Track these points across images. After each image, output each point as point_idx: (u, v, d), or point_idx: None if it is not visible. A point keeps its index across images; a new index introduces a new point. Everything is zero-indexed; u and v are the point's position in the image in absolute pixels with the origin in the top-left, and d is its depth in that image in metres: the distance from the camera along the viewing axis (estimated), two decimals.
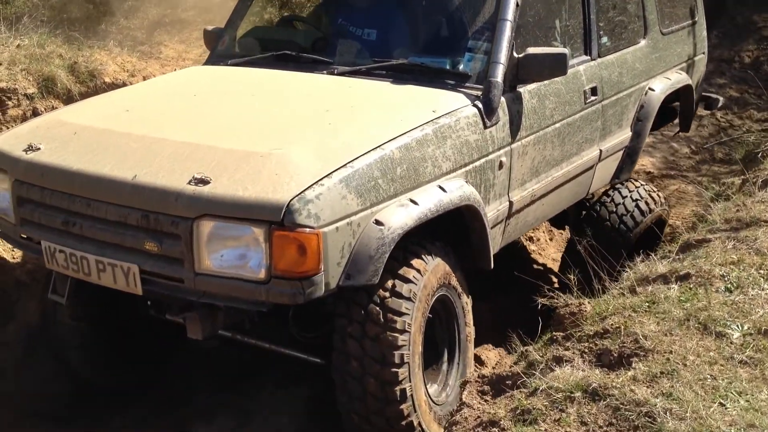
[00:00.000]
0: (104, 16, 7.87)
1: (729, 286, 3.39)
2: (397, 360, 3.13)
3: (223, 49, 4.46)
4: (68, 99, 5.18)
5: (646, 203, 4.87)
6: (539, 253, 5.57)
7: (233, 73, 4.16)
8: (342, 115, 3.46)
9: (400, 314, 3.16)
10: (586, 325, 3.18)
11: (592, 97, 4.41)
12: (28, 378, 3.99)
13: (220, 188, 2.93)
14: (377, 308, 3.15)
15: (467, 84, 3.73)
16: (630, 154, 4.97)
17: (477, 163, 3.59)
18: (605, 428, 2.55)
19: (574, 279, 3.60)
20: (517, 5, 3.81)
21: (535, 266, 5.38)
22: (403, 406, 3.17)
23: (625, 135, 4.88)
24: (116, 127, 3.42)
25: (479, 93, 3.66)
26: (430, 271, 3.32)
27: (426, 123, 3.39)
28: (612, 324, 3.09)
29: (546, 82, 3.98)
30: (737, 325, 3.06)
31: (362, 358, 3.14)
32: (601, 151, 4.63)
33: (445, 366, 3.58)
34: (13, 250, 4.41)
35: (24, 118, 4.92)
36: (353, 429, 3.29)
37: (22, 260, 4.38)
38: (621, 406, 2.59)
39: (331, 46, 4.17)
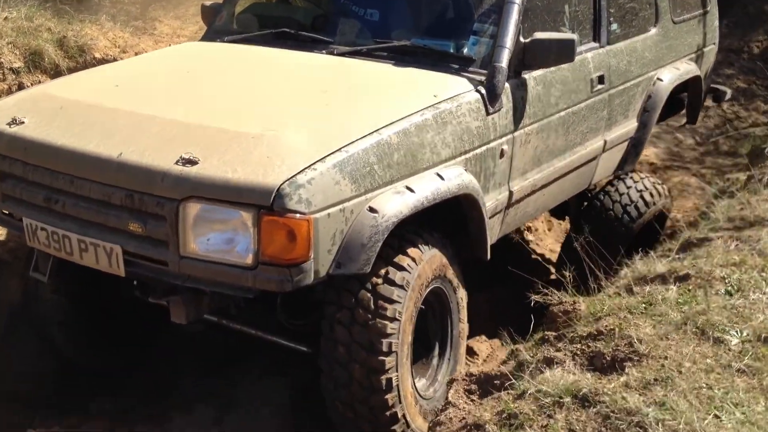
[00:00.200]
0: None
1: (729, 288, 3.31)
2: (384, 348, 3.05)
3: (220, 24, 4.34)
4: (56, 74, 5.08)
5: (651, 194, 4.81)
6: (537, 243, 5.49)
7: (229, 50, 4.04)
8: (339, 97, 3.36)
9: (392, 302, 3.08)
10: (580, 326, 3.11)
11: (599, 86, 4.29)
12: (8, 358, 3.90)
13: (208, 169, 2.83)
14: (368, 294, 3.07)
15: (471, 68, 3.62)
16: (635, 145, 4.87)
17: (477, 151, 3.50)
18: None
19: (569, 276, 3.51)
20: None
21: (533, 256, 5.30)
22: (387, 396, 3.10)
23: (630, 125, 4.77)
24: (104, 103, 3.32)
25: (483, 78, 3.56)
26: (426, 261, 3.24)
27: (426, 108, 3.29)
28: (606, 325, 3.02)
29: (552, 68, 3.87)
30: (736, 331, 2.98)
31: (350, 345, 3.07)
32: (605, 141, 4.53)
33: (435, 361, 3.51)
34: None
35: (9, 93, 4.81)
36: (338, 417, 3.22)
37: (2, 239, 4.28)
38: (611, 414, 2.51)
39: (331, 25, 4.04)
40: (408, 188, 3.10)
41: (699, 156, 7.08)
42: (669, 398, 2.55)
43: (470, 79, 3.55)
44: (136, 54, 5.49)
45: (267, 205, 2.73)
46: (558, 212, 5.31)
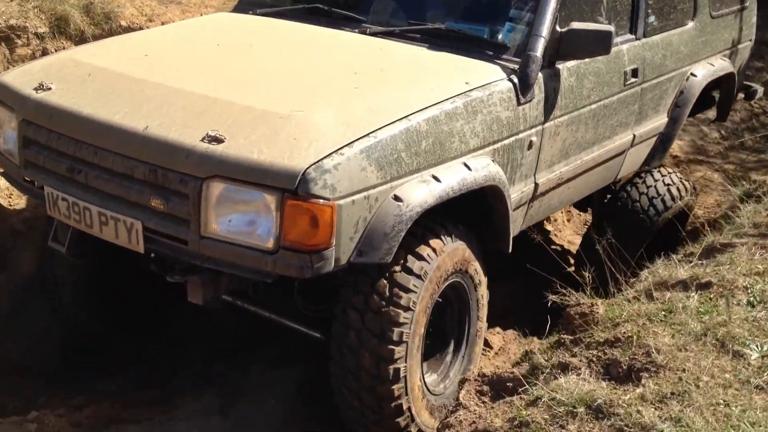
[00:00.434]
0: None
1: (752, 299, 3.25)
2: (395, 337, 3.02)
3: None
4: (80, 41, 4.96)
5: (678, 189, 4.77)
6: (555, 234, 5.43)
7: (260, 24, 3.96)
8: (370, 79, 3.28)
9: (407, 290, 3.05)
10: (597, 331, 3.05)
11: (632, 79, 4.21)
12: (20, 331, 3.90)
13: (234, 148, 2.78)
14: (385, 281, 3.03)
15: (504, 56, 3.55)
16: (663, 140, 4.79)
17: (506, 142, 3.43)
18: None
19: (588, 277, 3.45)
20: None
21: (552, 247, 5.24)
22: (394, 387, 3.08)
23: (660, 120, 4.69)
24: (133, 72, 3.26)
25: (516, 67, 3.49)
26: (447, 253, 3.19)
27: (457, 95, 3.23)
28: (624, 332, 2.97)
29: (586, 60, 3.79)
30: (756, 345, 2.93)
31: (361, 331, 3.04)
32: (634, 135, 4.45)
33: (449, 357, 3.48)
34: (10, 196, 4.26)
35: (32, 58, 4.71)
36: (344, 405, 3.20)
37: (18, 208, 4.25)
38: (625, 428, 2.47)
39: (365, 3, 3.95)
40: (434, 177, 3.05)
41: (723, 150, 6.97)
42: (685, 414, 2.52)
43: (503, 67, 3.48)
44: (163, 23, 5.37)
45: (291, 188, 2.68)
46: (580, 204, 5.25)
